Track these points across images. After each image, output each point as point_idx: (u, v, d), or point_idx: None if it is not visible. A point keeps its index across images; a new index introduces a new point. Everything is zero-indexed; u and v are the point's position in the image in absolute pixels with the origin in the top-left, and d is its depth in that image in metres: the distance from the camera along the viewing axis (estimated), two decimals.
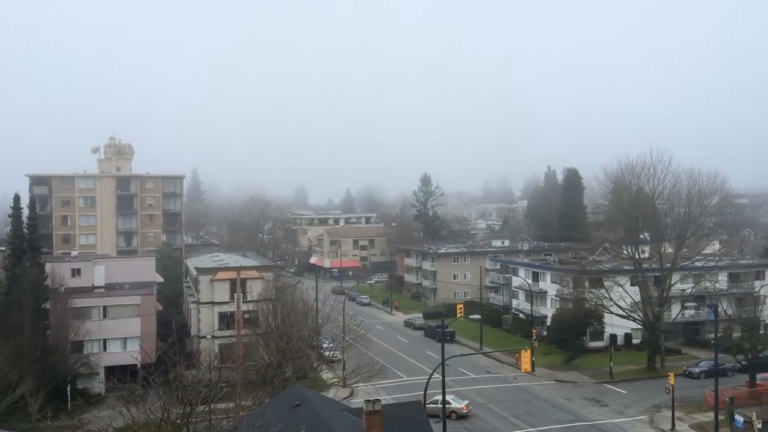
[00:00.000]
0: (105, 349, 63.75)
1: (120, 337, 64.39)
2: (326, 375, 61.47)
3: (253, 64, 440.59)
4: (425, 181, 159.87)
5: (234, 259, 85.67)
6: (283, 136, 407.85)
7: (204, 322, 69.66)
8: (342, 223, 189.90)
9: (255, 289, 67.41)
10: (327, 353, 65.14)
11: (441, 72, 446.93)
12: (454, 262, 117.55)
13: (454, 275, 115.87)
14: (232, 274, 67.00)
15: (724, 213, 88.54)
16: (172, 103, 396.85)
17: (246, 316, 62.57)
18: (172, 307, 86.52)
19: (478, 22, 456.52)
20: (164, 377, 34.00)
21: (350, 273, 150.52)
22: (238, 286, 58.25)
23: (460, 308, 66.58)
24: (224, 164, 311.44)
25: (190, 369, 45.54)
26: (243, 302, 63.08)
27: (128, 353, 59.56)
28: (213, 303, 69.81)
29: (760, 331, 59.61)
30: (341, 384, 57.58)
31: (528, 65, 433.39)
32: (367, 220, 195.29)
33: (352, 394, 58.25)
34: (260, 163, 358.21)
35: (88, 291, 68.45)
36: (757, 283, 76.43)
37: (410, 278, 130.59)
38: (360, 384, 56.78)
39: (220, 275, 70.73)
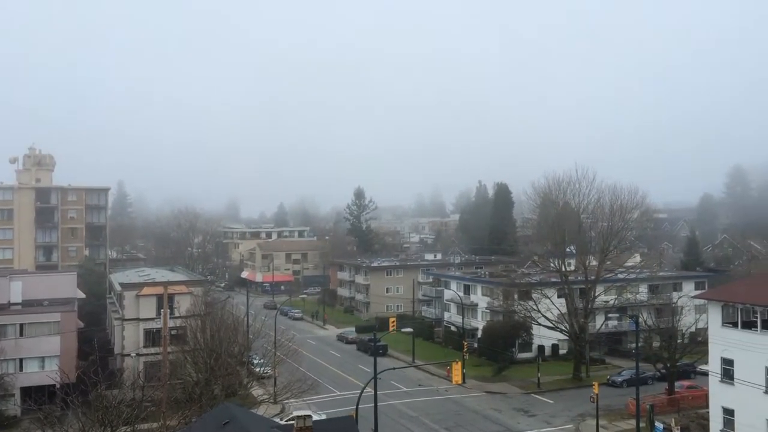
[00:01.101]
0: (21, 368, 60.43)
1: (37, 357, 61.22)
2: (256, 392, 60.28)
3: (182, 74, 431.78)
4: (359, 194, 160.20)
5: (161, 274, 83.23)
6: (215, 149, 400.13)
7: (128, 339, 67.18)
8: (275, 236, 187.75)
9: (183, 304, 65.61)
10: (257, 369, 63.92)
11: (373, 87, 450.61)
12: (387, 275, 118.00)
13: (387, 289, 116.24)
14: (159, 290, 64.95)
15: (645, 227, 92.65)
16: (99, 114, 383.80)
17: (173, 332, 60.77)
18: (94, 324, 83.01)
19: (411, 40, 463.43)
20: (84, 398, 32.51)
21: (282, 287, 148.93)
22: (165, 301, 56.50)
23: (393, 321, 66.86)
24: (153, 177, 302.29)
25: (112, 388, 43.83)
26: (170, 318, 61.28)
27: (46, 373, 56.74)
28: (138, 319, 67.45)
29: (678, 341, 62.18)
30: (272, 401, 56.62)
31: (461, 82, 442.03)
32: (300, 233, 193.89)
33: (282, 410, 57.35)
34: (191, 176, 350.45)
35: (4, 308, 64.93)
36: (675, 295, 79.93)
37: (343, 292, 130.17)
38: (291, 400, 56.01)
39: (146, 290, 68.48)
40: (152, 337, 65.91)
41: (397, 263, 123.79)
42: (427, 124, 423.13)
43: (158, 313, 64.77)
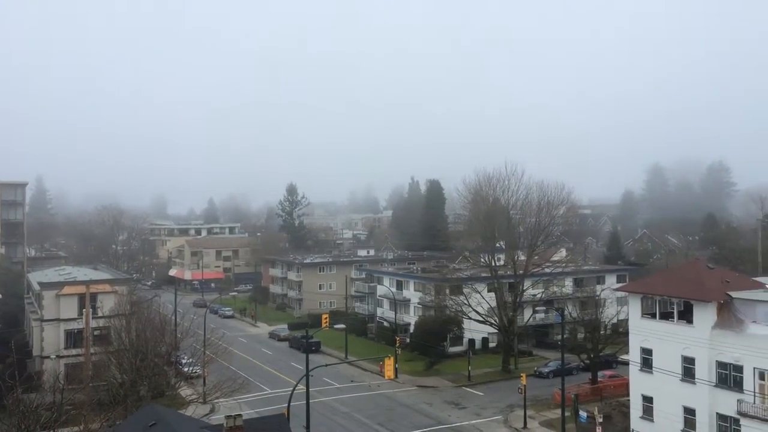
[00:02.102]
0: None
1: None
2: (185, 392, 58.77)
3: (108, 67, 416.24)
4: (291, 190, 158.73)
5: (83, 273, 79.98)
6: (141, 144, 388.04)
7: (48, 341, 64.25)
8: (204, 233, 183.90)
9: (107, 304, 63.27)
10: (186, 369, 62.42)
11: (307, 83, 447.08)
12: (320, 272, 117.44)
13: (320, 285, 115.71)
14: (81, 289, 62.49)
15: (570, 223, 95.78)
16: (18, 106, 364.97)
17: (96, 333, 58.65)
18: (11, 325, 78.95)
19: (346, 40, 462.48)
20: (0, 402, 30.89)
21: (213, 285, 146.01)
22: (86, 301, 54.42)
23: (326, 318, 66.55)
24: (75, 173, 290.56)
25: (30, 392, 41.83)
26: (93, 318, 59.09)
27: None
28: (59, 320, 64.59)
29: (601, 332, 64.51)
30: (201, 401, 55.37)
31: (396, 81, 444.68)
32: (231, 230, 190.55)
33: (212, 410, 56.24)
34: (116, 172, 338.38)
35: None
36: (599, 288, 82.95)
37: (276, 289, 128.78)
38: (221, 399, 54.96)
39: (67, 290, 65.64)
40: (74, 338, 63.31)
41: (330, 260, 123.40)
42: (361, 121, 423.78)
43: (80, 313, 62.32)
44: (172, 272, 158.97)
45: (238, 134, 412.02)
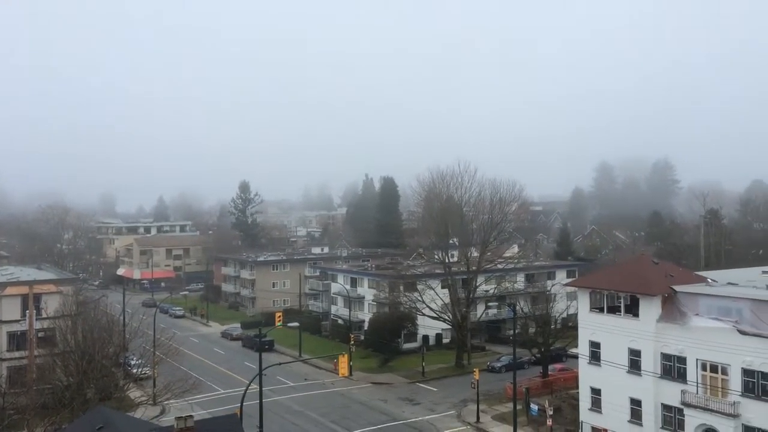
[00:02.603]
0: None
1: None
2: (134, 394, 57.49)
3: (48, 57, 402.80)
4: (244, 188, 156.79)
5: (27, 273, 77.13)
6: (87, 141, 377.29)
7: None
8: (154, 231, 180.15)
9: (51, 304, 61.20)
10: (135, 370, 61.02)
11: (261, 79, 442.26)
12: (274, 270, 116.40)
13: (274, 283, 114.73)
14: (24, 289, 60.24)
15: (522, 219, 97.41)
16: None
17: (40, 334, 56.67)
18: None
19: (301, 38, 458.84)
20: None
21: (163, 284, 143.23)
22: (30, 302, 52.59)
23: (279, 316, 65.95)
24: (16, 170, 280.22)
25: None
26: (37, 320, 57.17)
27: None
28: (1, 322, 62.22)
29: (552, 326, 65.80)
30: (151, 402, 54.25)
31: (351, 78, 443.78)
32: (182, 228, 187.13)
33: (163, 412, 55.16)
34: (60, 170, 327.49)
35: None
36: (549, 283, 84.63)
37: (228, 288, 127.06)
38: (172, 401, 53.89)
39: (9, 290, 63.16)
40: (17, 341, 61.00)
41: (284, 257, 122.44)
42: (315, 118, 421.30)
43: (23, 315, 60.15)
44: (121, 272, 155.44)
45: (189, 131, 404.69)
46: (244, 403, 43.64)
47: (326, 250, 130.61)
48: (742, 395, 38.96)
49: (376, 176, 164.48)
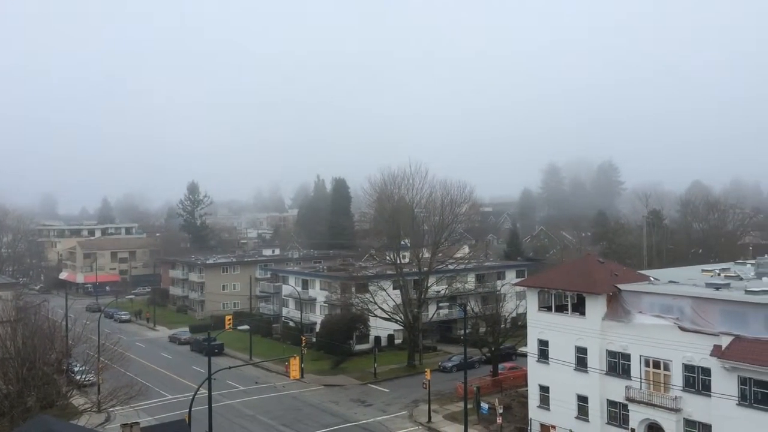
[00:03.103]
0: None
1: None
2: (78, 401, 55.67)
3: None
4: (192, 189, 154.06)
5: None
6: (28, 140, 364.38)
7: None
8: (98, 234, 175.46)
9: None
10: (79, 377, 59.14)
11: (210, 78, 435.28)
12: (224, 272, 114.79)
13: (224, 286, 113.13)
14: None
15: (472, 220, 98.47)
16: None
17: None
18: None
19: (253, 38, 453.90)
20: None
21: (108, 288, 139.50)
22: None
23: (229, 319, 64.99)
24: None
25: None
26: None
27: None
28: None
29: (502, 326, 66.71)
30: (95, 410, 52.68)
31: (302, 79, 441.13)
32: (128, 230, 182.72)
33: (108, 419, 53.79)
34: None
35: None
36: (499, 283, 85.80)
37: (176, 291, 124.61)
38: (117, 408, 52.54)
39: None
40: None
41: (234, 260, 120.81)
42: (266, 119, 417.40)
43: None
44: (63, 275, 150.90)
45: (136, 130, 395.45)
46: (192, 409, 42.80)
47: (277, 251, 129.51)
48: (683, 390, 40.27)
49: (327, 177, 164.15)
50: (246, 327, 66.95)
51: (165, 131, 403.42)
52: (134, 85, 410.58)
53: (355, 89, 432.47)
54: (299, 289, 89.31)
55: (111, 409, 53.32)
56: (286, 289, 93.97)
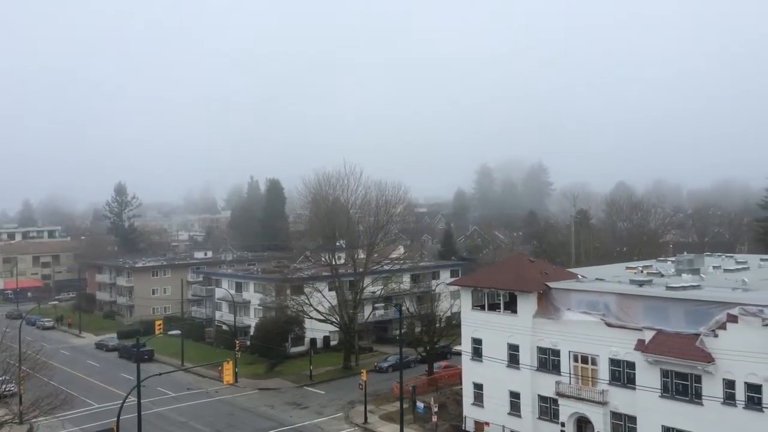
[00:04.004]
0: None
1: None
2: None
3: None
4: (120, 190, 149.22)
5: None
6: None
7: None
8: (19, 237, 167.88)
9: None
10: None
11: (138, 75, 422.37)
12: (154, 276, 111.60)
13: (154, 290, 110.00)
14: None
15: (407, 221, 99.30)
16: None
17: None
18: None
19: (189, 37, 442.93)
20: None
21: (30, 294, 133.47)
22: None
23: (159, 324, 63.11)
24: None
25: None
26: None
27: None
28: None
29: (437, 325, 67.38)
30: (17, 421, 50.23)
31: (232, 74, 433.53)
32: (51, 233, 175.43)
33: (31, 430, 51.37)
34: None
35: None
36: (434, 282, 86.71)
37: (103, 296, 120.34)
38: (41, 419, 50.34)
39: None
40: None
41: (165, 263, 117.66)
42: (197, 119, 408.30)
43: None
44: None
45: (60, 129, 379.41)
46: (121, 417, 41.42)
47: (210, 254, 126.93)
48: (610, 384, 41.73)
49: (261, 178, 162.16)
50: (177, 332, 65.13)
51: (91, 131, 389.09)
52: (56, 81, 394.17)
53: (290, 90, 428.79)
54: (233, 292, 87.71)
55: (34, 420, 51.05)
56: (219, 293, 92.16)
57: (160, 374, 52.91)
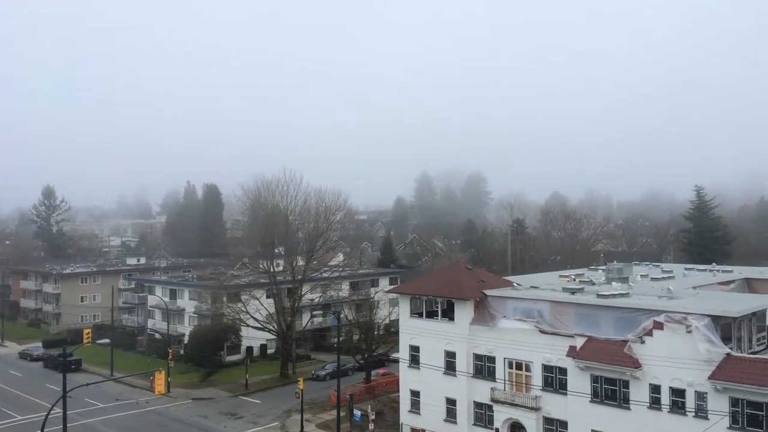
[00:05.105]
0: None
1: None
2: None
3: None
4: (48, 193, 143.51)
5: None
6: None
7: None
8: None
9: None
10: None
11: (73, 75, 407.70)
12: (83, 282, 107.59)
13: (82, 297, 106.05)
14: None
15: (347, 228, 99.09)
16: None
17: None
18: None
19: (121, 37, 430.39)
20: None
21: None
22: None
23: (88, 333, 60.95)
24: None
25: None
26: None
27: None
28: None
29: (375, 332, 67.40)
30: None
31: (169, 78, 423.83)
32: None
33: None
34: None
35: None
36: (373, 290, 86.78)
37: (28, 303, 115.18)
38: None
39: None
40: None
41: (95, 269, 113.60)
42: (131, 122, 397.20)
43: None
44: None
45: None
46: (45, 429, 39.59)
47: (143, 260, 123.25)
48: (543, 389, 42.61)
49: (198, 183, 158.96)
50: (107, 340, 62.96)
51: (18, 131, 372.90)
52: None
53: (228, 97, 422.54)
54: (166, 299, 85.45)
55: None
56: (152, 300, 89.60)
57: (88, 384, 50.98)
